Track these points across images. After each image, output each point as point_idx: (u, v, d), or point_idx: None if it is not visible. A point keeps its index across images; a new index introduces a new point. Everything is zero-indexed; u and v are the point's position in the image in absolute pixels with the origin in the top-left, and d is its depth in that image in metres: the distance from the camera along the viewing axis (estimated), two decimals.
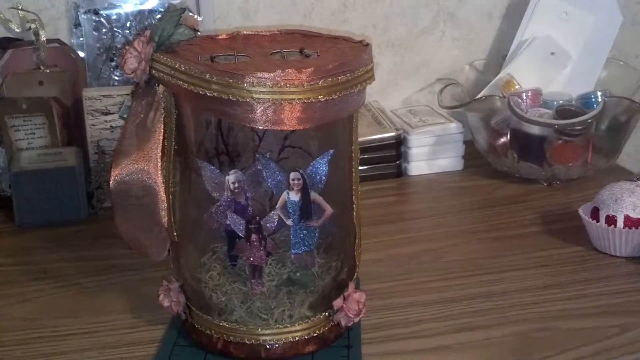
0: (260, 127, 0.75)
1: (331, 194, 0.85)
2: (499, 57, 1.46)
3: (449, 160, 1.38)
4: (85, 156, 1.22)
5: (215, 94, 0.73)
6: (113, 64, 1.30)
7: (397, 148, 1.36)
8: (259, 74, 0.72)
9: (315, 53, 0.80)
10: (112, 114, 1.20)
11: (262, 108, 0.73)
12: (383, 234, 1.13)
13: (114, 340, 0.88)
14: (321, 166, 0.84)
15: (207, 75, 0.73)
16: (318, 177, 0.84)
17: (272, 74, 0.72)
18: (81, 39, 1.30)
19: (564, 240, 1.10)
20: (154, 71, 0.79)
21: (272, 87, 0.72)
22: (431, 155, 1.37)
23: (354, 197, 0.84)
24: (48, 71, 1.25)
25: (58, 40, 1.29)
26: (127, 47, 0.80)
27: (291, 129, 0.76)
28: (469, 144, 1.39)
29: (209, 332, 0.84)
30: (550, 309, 0.92)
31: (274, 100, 0.73)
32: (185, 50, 0.80)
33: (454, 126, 1.38)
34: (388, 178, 1.36)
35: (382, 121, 1.38)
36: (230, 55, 0.80)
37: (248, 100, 0.73)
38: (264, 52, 0.82)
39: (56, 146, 1.23)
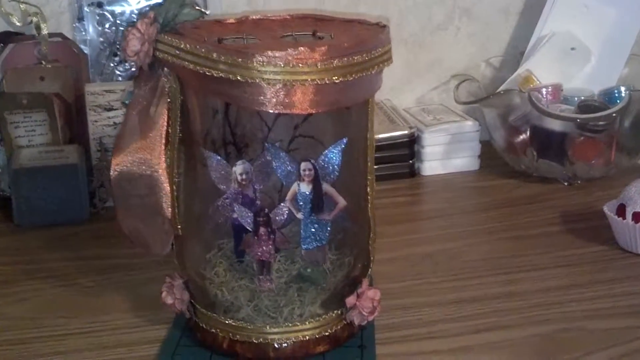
0: (270, 111, 0.70)
1: (344, 185, 0.80)
2: (516, 54, 1.42)
3: (465, 160, 1.33)
4: (87, 154, 1.18)
5: (222, 75, 0.69)
6: (117, 59, 1.26)
7: (410, 147, 1.31)
8: (269, 53, 0.68)
9: (329, 36, 0.76)
10: (115, 109, 1.16)
11: (272, 90, 0.69)
12: (396, 234, 1.09)
13: (114, 340, 0.84)
14: (334, 155, 0.79)
15: (214, 55, 0.69)
16: (331, 167, 0.80)
17: (283, 53, 0.68)
18: (84, 33, 1.26)
19: (587, 239, 1.05)
20: (157, 53, 0.74)
21: (283, 66, 0.68)
22: (446, 154, 1.32)
23: (368, 188, 0.80)
24: (50, 66, 1.21)
25: (60, 35, 1.25)
26: (129, 29, 0.75)
27: (303, 112, 0.71)
28: (485, 144, 1.34)
29: (214, 330, 0.79)
30: (576, 309, 0.88)
31: (285, 81, 0.68)
32: (191, 33, 0.75)
33: (469, 124, 1.33)
34: (401, 178, 1.30)
35: (395, 119, 1.34)
36: (238, 37, 0.75)
37: (257, 81, 0.68)
38: (275, 35, 0.78)
39: (57, 144, 1.19)
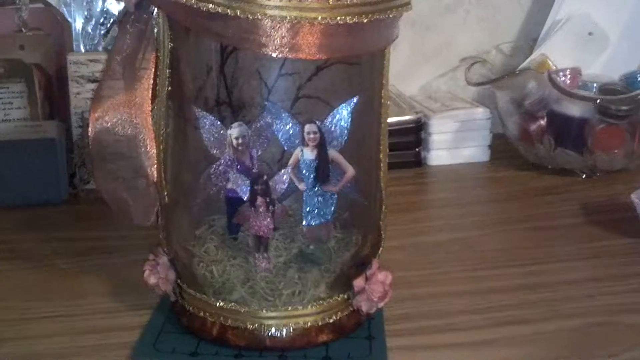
0: (273, 55, 0.60)
1: (354, 151, 0.71)
2: (528, 40, 1.33)
3: (474, 150, 1.24)
4: (69, 131, 1.08)
5: (219, 10, 0.59)
6: (103, 29, 1.16)
7: (416, 134, 1.21)
8: None
9: None
10: (99, 81, 1.05)
11: (276, 29, 0.59)
12: (404, 222, 0.98)
13: (89, 325, 0.74)
14: (343, 117, 0.70)
15: None
16: (339, 129, 0.70)
17: None
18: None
19: (613, 231, 0.95)
20: None
21: (289, 0, 0.58)
22: (454, 143, 1.23)
23: (381, 155, 0.70)
24: (30, 34, 1.11)
25: (43, 1, 1.15)
26: None
27: (310, 57, 0.61)
28: (495, 137, 1.25)
29: (202, 314, 0.69)
30: (610, 303, 0.78)
31: (291, 18, 0.59)
32: None
33: (480, 111, 1.24)
34: (405, 167, 1.20)
35: (400, 104, 1.24)
36: None
37: (259, 17, 0.59)
38: None
39: (36, 119, 1.09)
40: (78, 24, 1.17)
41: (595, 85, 1.15)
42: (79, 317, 0.76)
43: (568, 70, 1.15)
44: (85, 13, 1.15)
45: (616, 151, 1.12)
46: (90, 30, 1.15)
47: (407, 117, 1.20)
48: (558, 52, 1.22)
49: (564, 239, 0.94)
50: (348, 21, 0.60)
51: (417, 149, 1.22)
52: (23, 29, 1.11)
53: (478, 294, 0.80)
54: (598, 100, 1.08)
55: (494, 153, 1.25)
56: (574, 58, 1.22)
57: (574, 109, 1.12)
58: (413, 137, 1.21)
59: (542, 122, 1.15)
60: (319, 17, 0.59)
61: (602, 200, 1.07)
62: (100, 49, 1.14)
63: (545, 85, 1.11)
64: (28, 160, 1.02)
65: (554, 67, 1.19)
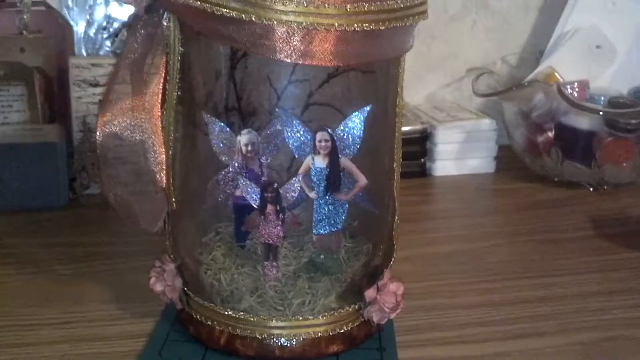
0: (287, 61, 0.59)
1: (366, 160, 0.69)
2: (535, 52, 1.32)
3: (480, 161, 1.23)
4: (69, 135, 1.06)
5: (233, 14, 0.58)
6: (106, 33, 1.14)
7: (421, 144, 1.20)
8: None
9: None
10: (101, 85, 1.04)
11: (291, 35, 0.58)
12: (410, 232, 0.96)
13: (92, 333, 0.72)
14: (356, 125, 0.68)
15: None
16: (351, 138, 0.68)
17: None
18: (70, 2, 1.15)
19: (623, 245, 0.94)
20: None
21: (306, 6, 0.57)
22: (460, 154, 1.22)
23: (395, 164, 0.69)
24: (31, 37, 1.10)
25: (44, 3, 1.14)
26: None
27: (325, 64, 0.60)
28: (501, 149, 1.24)
29: (210, 323, 0.68)
30: (622, 317, 0.77)
31: (307, 25, 0.57)
32: None
33: (486, 122, 1.22)
34: (410, 177, 1.19)
35: (406, 114, 1.23)
36: None
37: (274, 23, 0.57)
38: None
39: (36, 123, 1.07)
40: (80, 27, 1.15)
41: (603, 98, 1.15)
42: (82, 324, 0.74)
43: (576, 82, 1.14)
44: (87, 17, 1.14)
45: (624, 164, 1.11)
46: (92, 35, 1.14)
47: (412, 127, 1.19)
48: (565, 65, 1.21)
49: (574, 251, 0.93)
50: (365, 28, 0.59)
51: (422, 159, 1.21)
52: (24, 31, 1.10)
53: (487, 306, 0.79)
54: (603, 113, 1.07)
55: (500, 164, 1.24)
56: (581, 71, 1.21)
57: (582, 122, 1.10)
58: (418, 147, 1.20)
59: (550, 134, 1.13)
60: (336, 24, 0.58)
61: (610, 213, 1.06)
62: (102, 53, 1.13)
63: (553, 97, 1.10)
64: (28, 165, 1.01)
65: (560, 80, 1.18)
